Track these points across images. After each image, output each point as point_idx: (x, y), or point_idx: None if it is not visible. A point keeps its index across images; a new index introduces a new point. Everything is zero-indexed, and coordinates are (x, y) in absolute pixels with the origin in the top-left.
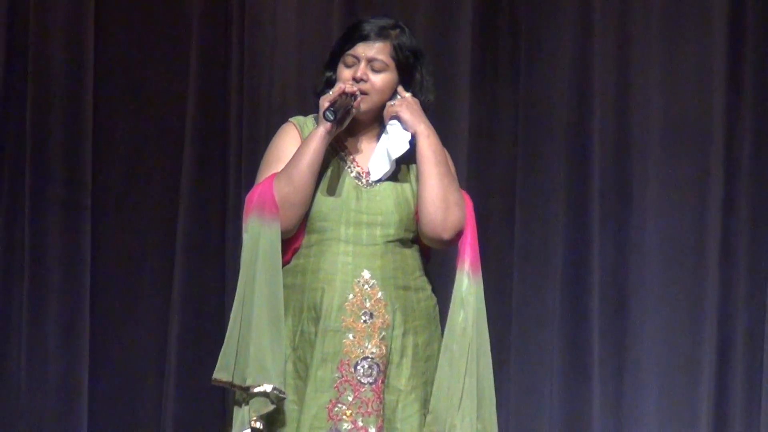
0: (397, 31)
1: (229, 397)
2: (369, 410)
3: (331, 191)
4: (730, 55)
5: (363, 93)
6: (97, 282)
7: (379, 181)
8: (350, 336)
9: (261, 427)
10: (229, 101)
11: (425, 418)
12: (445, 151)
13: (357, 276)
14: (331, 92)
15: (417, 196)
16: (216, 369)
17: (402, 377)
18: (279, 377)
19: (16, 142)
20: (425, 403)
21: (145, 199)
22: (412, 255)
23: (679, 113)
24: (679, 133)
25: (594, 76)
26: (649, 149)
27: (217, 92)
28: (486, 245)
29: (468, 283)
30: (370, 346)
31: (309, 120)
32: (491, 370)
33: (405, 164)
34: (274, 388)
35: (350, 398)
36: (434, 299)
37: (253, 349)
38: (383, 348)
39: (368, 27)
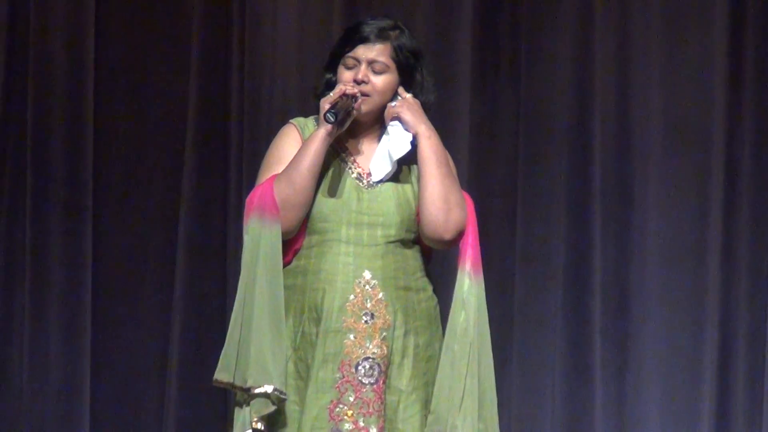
0: (397, 32)
1: (231, 398)
2: (370, 411)
3: (332, 192)
4: (731, 56)
5: (364, 95)
6: (98, 283)
7: (381, 182)
8: (351, 336)
9: (262, 428)
10: (229, 102)
11: (426, 418)
12: (446, 151)
13: (358, 276)
14: (331, 94)
15: (418, 196)
16: (217, 370)
17: (403, 378)
18: (280, 378)
19: (17, 143)
20: (426, 404)
21: (146, 199)
22: (413, 256)
23: (679, 113)
24: (680, 133)
25: (594, 77)
26: (650, 149)
27: (217, 93)
28: (487, 246)
29: (469, 284)
30: (371, 347)
31: (310, 121)
32: (492, 371)
33: (406, 165)
34: (274, 389)
35: (351, 399)
36: (435, 300)
37: (254, 350)
38: (384, 348)
39: (368, 29)
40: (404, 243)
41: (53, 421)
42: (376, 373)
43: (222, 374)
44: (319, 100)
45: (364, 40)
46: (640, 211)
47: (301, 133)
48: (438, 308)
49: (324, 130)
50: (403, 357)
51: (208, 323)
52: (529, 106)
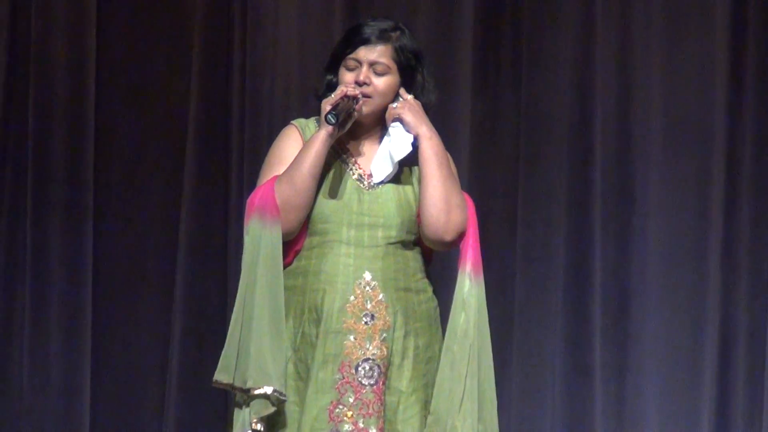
0: (398, 33)
1: (231, 398)
2: (370, 411)
3: (333, 193)
4: (731, 56)
5: (365, 96)
6: (99, 283)
7: (382, 183)
8: (351, 337)
9: (261, 429)
10: (231, 102)
11: (426, 419)
12: (447, 153)
13: (358, 278)
14: (333, 95)
15: (419, 198)
16: (217, 371)
17: (403, 379)
18: (279, 379)
19: (18, 143)
20: (426, 405)
21: (147, 200)
22: (413, 257)
23: (680, 114)
24: (681, 133)
25: (595, 78)
26: (651, 150)
27: (219, 93)
28: (488, 247)
29: (469, 285)
30: (371, 348)
31: (311, 122)
32: (492, 372)
33: (407, 166)
34: (274, 390)
35: (351, 400)
36: (435, 301)
37: (254, 351)
38: (384, 349)
39: (369, 30)
40: (405, 244)
41: (53, 420)
42: (375, 374)
43: (222, 375)
44: (320, 101)
45: (366, 42)
46: (641, 212)
47: (302, 134)
48: (438, 310)
49: (325, 131)
50: (403, 358)
51: (208, 324)
52: (529, 106)
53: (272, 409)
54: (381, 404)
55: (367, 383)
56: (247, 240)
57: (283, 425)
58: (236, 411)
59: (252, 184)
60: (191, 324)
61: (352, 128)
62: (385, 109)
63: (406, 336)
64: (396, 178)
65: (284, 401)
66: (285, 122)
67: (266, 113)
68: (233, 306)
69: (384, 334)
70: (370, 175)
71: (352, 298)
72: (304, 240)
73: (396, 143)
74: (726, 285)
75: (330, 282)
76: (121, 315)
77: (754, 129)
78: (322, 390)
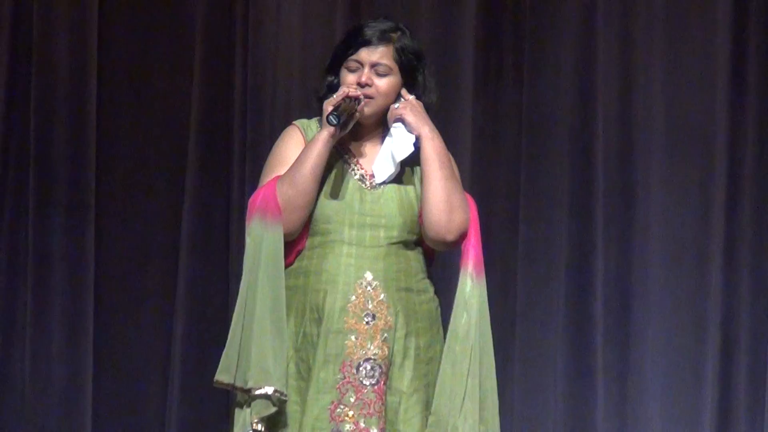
0: (399, 33)
1: (232, 398)
2: (371, 411)
3: (335, 194)
4: (733, 58)
5: (367, 97)
6: (100, 283)
7: (383, 183)
8: (352, 337)
9: (262, 429)
10: (232, 102)
11: (427, 419)
12: (449, 153)
13: (359, 278)
14: (335, 96)
15: (421, 198)
16: (218, 371)
17: (404, 379)
18: (281, 379)
19: (20, 144)
20: (427, 405)
21: (149, 199)
22: (415, 257)
23: (682, 115)
24: (683, 135)
25: (597, 79)
26: (652, 151)
27: (221, 94)
28: (489, 247)
29: (471, 285)
30: (372, 348)
31: (313, 123)
32: (494, 372)
33: (409, 167)
34: (275, 391)
35: (352, 399)
36: (436, 301)
37: (255, 352)
38: (385, 349)
39: (370, 31)
40: (406, 244)
41: (56, 420)
42: (377, 374)
43: (223, 375)
44: (322, 102)
45: (367, 43)
46: (643, 213)
47: (304, 134)
48: (439, 310)
49: (327, 132)
50: (404, 358)
51: (210, 324)
52: (531, 107)
53: (273, 410)
54: (382, 404)
55: (368, 383)
56: (249, 240)
57: (284, 425)
58: (237, 411)
59: (254, 184)
60: (193, 324)
61: (354, 129)
62: (386, 109)
63: (407, 336)
64: (398, 179)
65: (285, 401)
66: (287, 122)
67: (268, 113)
68: (235, 306)
69: (385, 334)
70: (372, 176)
71: (353, 298)
72: (306, 240)
73: (398, 144)
74: (728, 285)
75: (331, 282)
76: (123, 315)
77: (755, 129)
78: (323, 390)
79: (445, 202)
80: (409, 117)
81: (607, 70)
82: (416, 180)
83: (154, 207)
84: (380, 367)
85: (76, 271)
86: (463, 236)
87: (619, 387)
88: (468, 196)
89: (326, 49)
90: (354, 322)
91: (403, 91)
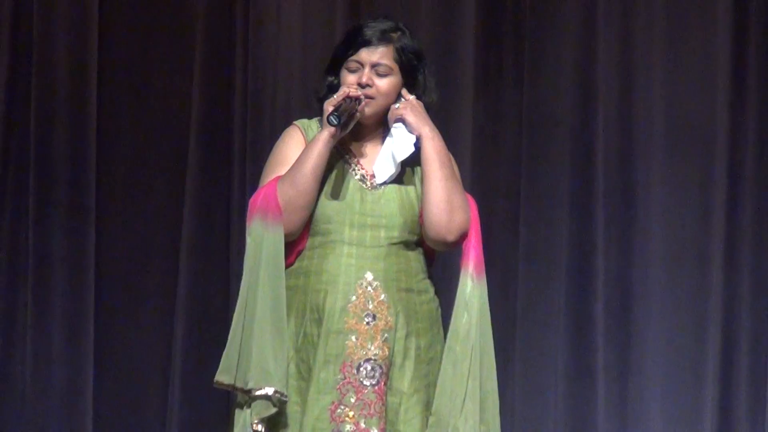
0: (399, 33)
1: (233, 399)
2: (371, 412)
3: (336, 194)
4: (734, 57)
5: (368, 97)
6: (101, 284)
7: (384, 183)
8: (353, 338)
9: (262, 430)
10: (233, 103)
11: (428, 420)
12: (450, 153)
13: (360, 278)
14: (335, 96)
15: (421, 198)
16: (218, 371)
17: (404, 379)
18: (281, 380)
19: (20, 144)
20: (428, 406)
21: (149, 200)
22: (415, 257)
23: (682, 115)
24: (683, 134)
25: (597, 78)
26: (653, 151)
27: (221, 94)
28: (490, 247)
29: (472, 286)
30: (372, 348)
31: (313, 123)
32: (495, 373)
33: (410, 167)
34: (275, 392)
35: (353, 400)
36: (437, 302)
37: (256, 352)
38: (386, 350)
39: (370, 32)
40: (407, 245)
41: (56, 421)
42: (377, 374)
43: (223, 376)
44: (322, 103)
45: (367, 43)
46: (643, 213)
47: (305, 134)
48: (439, 310)
49: (327, 132)
50: (404, 358)
51: (211, 324)
52: (531, 106)
53: (273, 410)
54: (382, 405)
55: (368, 383)
56: (249, 241)
57: (285, 425)
58: (237, 411)
59: (254, 185)
60: (194, 325)
61: (355, 129)
62: (387, 110)
63: (407, 336)
64: (398, 179)
65: (285, 402)
66: (287, 122)
67: (268, 113)
68: (235, 306)
69: (386, 335)
70: (373, 176)
71: (353, 298)
72: (307, 240)
73: (398, 144)
74: (728, 285)
75: (332, 282)
76: (124, 316)
77: (756, 129)
78: (324, 390)
79: (446, 202)
80: (410, 117)
81: (607, 70)
82: (417, 180)
83: (155, 207)
84: (381, 367)
85: (76, 271)
86: (463, 236)
87: (620, 387)
88: (468, 197)
89: (326, 49)
90: (354, 322)
91: (404, 91)
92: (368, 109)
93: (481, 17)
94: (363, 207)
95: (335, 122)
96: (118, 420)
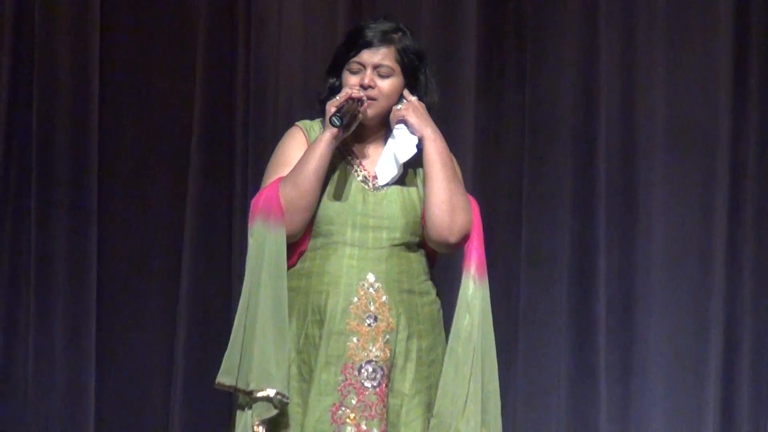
0: (400, 34)
1: (235, 400)
2: (372, 414)
3: (338, 195)
4: (735, 58)
5: (371, 99)
6: (103, 285)
7: (386, 185)
8: (354, 339)
9: None
10: (235, 104)
11: (429, 422)
12: (452, 154)
13: (362, 279)
14: (337, 97)
15: (423, 199)
16: (219, 373)
17: (406, 381)
18: (282, 382)
19: (22, 145)
20: (429, 408)
21: (152, 202)
22: (417, 259)
23: (684, 115)
24: (685, 135)
25: (599, 79)
26: (655, 151)
27: (223, 95)
28: (492, 248)
29: (474, 288)
30: (374, 350)
31: (316, 124)
32: (497, 375)
33: (412, 168)
34: (277, 393)
35: (354, 401)
36: (438, 303)
37: (257, 354)
38: (387, 351)
39: (371, 33)
40: (409, 246)
41: (58, 422)
42: (378, 376)
43: (224, 377)
44: (323, 104)
45: (368, 45)
46: (645, 214)
47: (307, 135)
48: (441, 312)
49: (330, 133)
50: (406, 360)
51: (213, 325)
52: (533, 107)
53: (274, 412)
54: (384, 406)
55: (369, 385)
56: (251, 242)
57: (286, 426)
58: (238, 413)
59: (256, 186)
60: (196, 325)
61: (357, 130)
62: (389, 111)
63: (409, 338)
64: (401, 180)
65: (287, 404)
66: (289, 123)
67: (270, 114)
68: (237, 308)
69: (387, 336)
70: (375, 177)
71: (355, 299)
72: (309, 242)
73: (400, 145)
74: (730, 286)
75: (333, 283)
76: (126, 317)
77: (757, 130)
78: (325, 392)
79: (448, 203)
80: (412, 118)
81: (609, 70)
82: (419, 181)
83: (157, 208)
84: (382, 369)
85: (78, 272)
86: (465, 238)
87: (622, 388)
88: (470, 198)
89: (328, 49)
90: (356, 323)
91: (406, 92)
92: (370, 111)
93: (482, 17)
94: (365, 208)
95: (338, 123)
96: (119, 420)
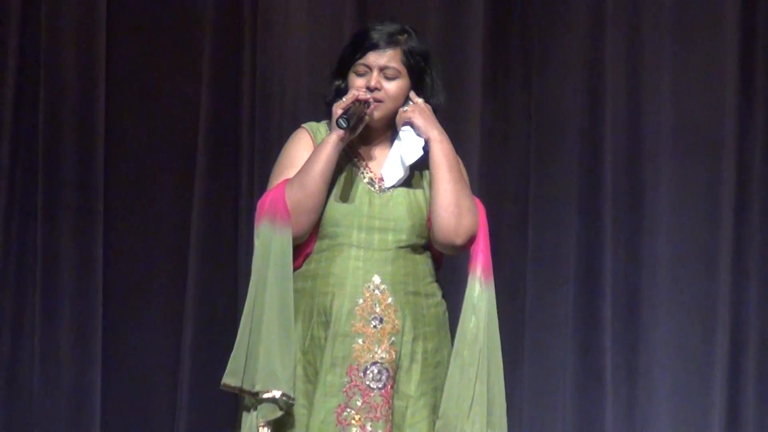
0: (406, 36)
1: (240, 401)
2: (378, 415)
3: (344, 197)
4: (741, 59)
5: (377, 101)
6: (109, 287)
7: (393, 187)
8: (360, 341)
9: None
10: (241, 105)
11: (434, 424)
12: (458, 156)
13: (367, 281)
14: (344, 99)
15: (429, 201)
16: (225, 374)
17: (411, 383)
18: (288, 383)
19: (28, 147)
20: (434, 409)
21: (158, 204)
22: (423, 261)
23: (690, 117)
24: (691, 136)
25: (605, 80)
26: (661, 154)
27: (229, 97)
28: (498, 250)
29: (480, 289)
30: (379, 351)
31: (322, 126)
32: (502, 377)
33: (418, 170)
34: (282, 394)
35: (359, 403)
36: (444, 305)
37: (263, 355)
38: (393, 353)
39: (377, 35)
40: (415, 248)
41: (64, 423)
42: (384, 377)
43: (230, 378)
44: (330, 107)
45: (374, 47)
46: (651, 215)
47: (313, 137)
48: (447, 314)
49: (336, 135)
50: (411, 362)
51: (219, 326)
52: (540, 109)
53: (280, 413)
54: (389, 408)
55: (375, 387)
56: (257, 243)
57: (291, 427)
58: (244, 414)
59: (262, 187)
60: (202, 327)
61: (363, 132)
62: (395, 113)
63: (414, 340)
64: (407, 182)
65: (292, 405)
66: (295, 125)
67: (276, 116)
68: (243, 309)
69: (392, 338)
70: (381, 179)
71: (360, 301)
72: (315, 243)
73: (407, 147)
74: (736, 288)
75: (339, 285)
76: (132, 318)
77: (764, 132)
78: (330, 393)
79: (454, 205)
80: (418, 120)
81: (615, 72)
82: (425, 183)
83: (163, 210)
84: (387, 370)
85: (84, 274)
86: (471, 240)
87: (628, 389)
88: (476, 200)
89: (334, 51)
90: (361, 325)
91: (412, 94)
92: (377, 113)
93: (488, 19)
94: (371, 210)
95: (344, 125)
96: (125, 422)
